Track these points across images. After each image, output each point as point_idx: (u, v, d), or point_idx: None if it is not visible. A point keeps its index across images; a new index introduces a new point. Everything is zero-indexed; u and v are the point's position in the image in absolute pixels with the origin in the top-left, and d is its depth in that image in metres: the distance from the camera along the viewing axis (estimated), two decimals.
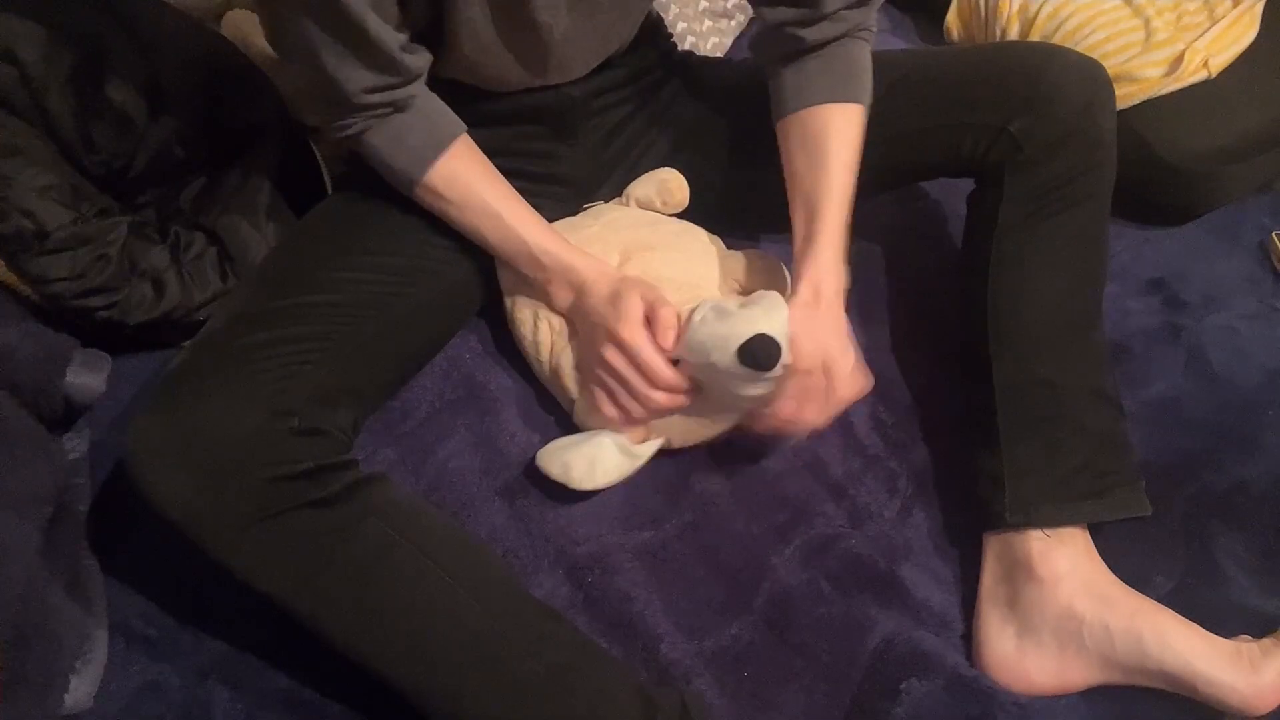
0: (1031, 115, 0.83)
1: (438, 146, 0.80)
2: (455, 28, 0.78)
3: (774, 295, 0.79)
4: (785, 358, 0.75)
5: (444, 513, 0.84)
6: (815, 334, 0.78)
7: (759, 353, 0.74)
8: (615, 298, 0.80)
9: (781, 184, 0.87)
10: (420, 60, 0.78)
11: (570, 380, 0.86)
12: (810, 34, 0.84)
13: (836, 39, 0.85)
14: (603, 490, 0.83)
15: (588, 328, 0.83)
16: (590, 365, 0.83)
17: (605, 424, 0.84)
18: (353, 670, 0.69)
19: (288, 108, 1.01)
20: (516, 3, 0.76)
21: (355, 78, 0.75)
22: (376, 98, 0.76)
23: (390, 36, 0.74)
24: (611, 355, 0.80)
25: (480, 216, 0.82)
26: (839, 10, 0.83)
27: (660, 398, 0.80)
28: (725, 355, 0.75)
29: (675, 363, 0.80)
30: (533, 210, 0.84)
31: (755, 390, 0.78)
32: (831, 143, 0.84)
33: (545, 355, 0.88)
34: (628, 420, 0.82)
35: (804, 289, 0.80)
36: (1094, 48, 1.13)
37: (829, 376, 0.78)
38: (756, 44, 0.90)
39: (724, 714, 0.76)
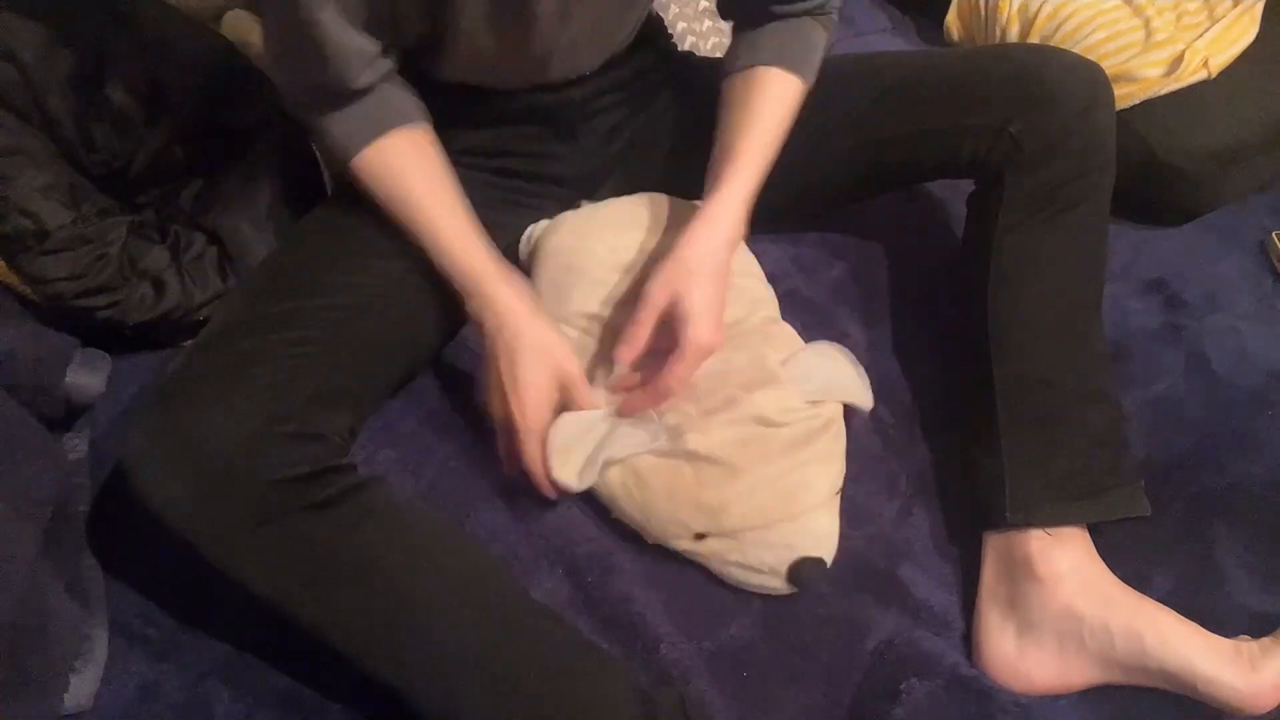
0: (1032, 117, 0.83)
1: (381, 126, 0.79)
2: (455, 37, 0.78)
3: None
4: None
5: (444, 514, 0.84)
6: (673, 283, 0.79)
7: (806, 572, 0.77)
8: (519, 356, 0.79)
9: (781, 181, 0.87)
10: (379, 74, 0.79)
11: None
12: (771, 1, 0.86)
13: (796, 13, 0.87)
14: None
15: (501, 355, 0.80)
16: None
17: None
18: (352, 671, 0.69)
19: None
20: (516, 13, 0.76)
21: (319, 86, 0.77)
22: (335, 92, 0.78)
23: (361, 64, 0.76)
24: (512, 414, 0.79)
25: (402, 205, 0.81)
26: None
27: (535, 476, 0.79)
28: (776, 570, 0.78)
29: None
30: (459, 208, 0.81)
31: None
32: (763, 102, 0.86)
33: None
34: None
35: (696, 226, 0.82)
36: (1094, 48, 1.13)
37: (676, 320, 0.78)
38: (722, 3, 0.92)
39: (724, 714, 0.76)
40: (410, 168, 0.81)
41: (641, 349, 0.80)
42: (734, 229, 0.83)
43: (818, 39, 0.89)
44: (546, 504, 0.85)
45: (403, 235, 0.83)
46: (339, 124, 0.80)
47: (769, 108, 0.85)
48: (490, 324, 0.80)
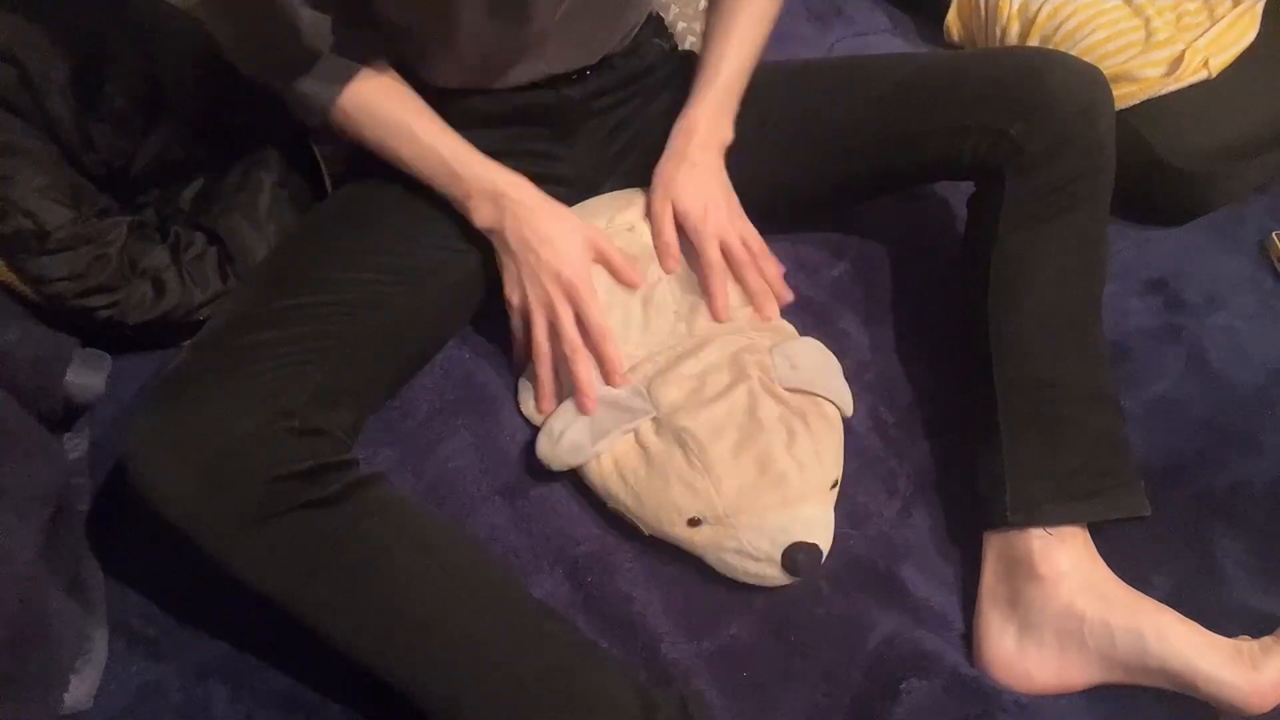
0: (1032, 119, 0.83)
1: (350, 70, 0.81)
2: (450, 25, 0.78)
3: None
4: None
5: (444, 513, 0.84)
6: (670, 186, 0.87)
7: (800, 559, 0.77)
8: (551, 226, 0.83)
9: (782, 181, 0.87)
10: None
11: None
12: None
13: None
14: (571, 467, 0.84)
15: (519, 246, 0.84)
16: (521, 295, 0.85)
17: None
18: (353, 670, 0.69)
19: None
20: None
21: (282, 67, 0.79)
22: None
23: (323, 39, 0.77)
24: (553, 291, 0.83)
25: (393, 133, 0.83)
26: None
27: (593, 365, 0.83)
28: (771, 557, 0.77)
29: None
30: (447, 126, 0.85)
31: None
32: (739, 16, 0.92)
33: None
34: (546, 376, 0.85)
35: (676, 138, 0.90)
36: (1094, 48, 1.13)
37: (683, 220, 0.87)
38: None
39: (724, 714, 0.76)
40: (393, 95, 0.84)
41: (678, 253, 0.88)
42: (711, 131, 0.90)
43: None
44: (547, 504, 0.85)
45: (402, 233, 0.83)
46: (308, 83, 0.81)
47: (743, 21, 0.92)
48: (511, 219, 0.83)
